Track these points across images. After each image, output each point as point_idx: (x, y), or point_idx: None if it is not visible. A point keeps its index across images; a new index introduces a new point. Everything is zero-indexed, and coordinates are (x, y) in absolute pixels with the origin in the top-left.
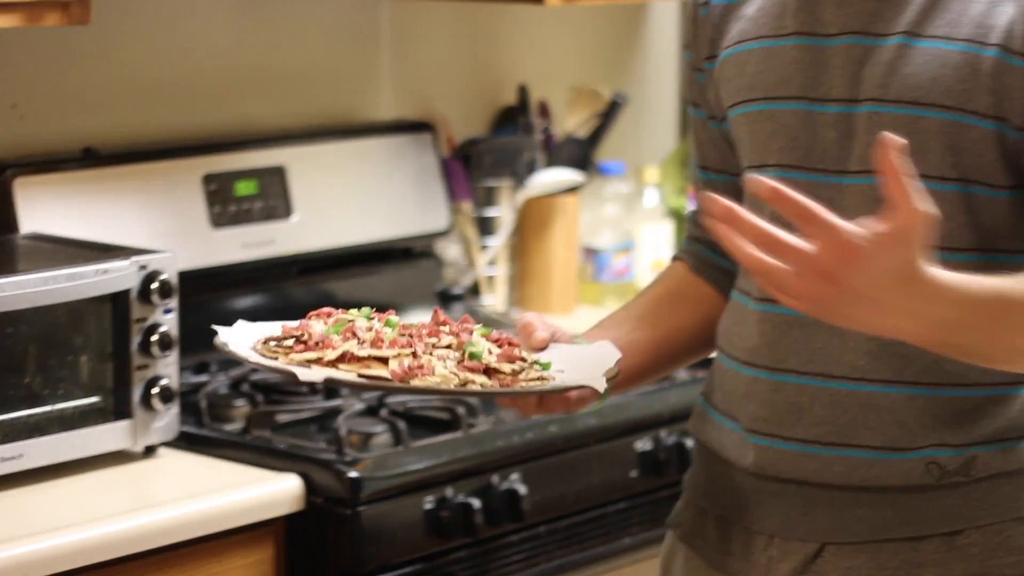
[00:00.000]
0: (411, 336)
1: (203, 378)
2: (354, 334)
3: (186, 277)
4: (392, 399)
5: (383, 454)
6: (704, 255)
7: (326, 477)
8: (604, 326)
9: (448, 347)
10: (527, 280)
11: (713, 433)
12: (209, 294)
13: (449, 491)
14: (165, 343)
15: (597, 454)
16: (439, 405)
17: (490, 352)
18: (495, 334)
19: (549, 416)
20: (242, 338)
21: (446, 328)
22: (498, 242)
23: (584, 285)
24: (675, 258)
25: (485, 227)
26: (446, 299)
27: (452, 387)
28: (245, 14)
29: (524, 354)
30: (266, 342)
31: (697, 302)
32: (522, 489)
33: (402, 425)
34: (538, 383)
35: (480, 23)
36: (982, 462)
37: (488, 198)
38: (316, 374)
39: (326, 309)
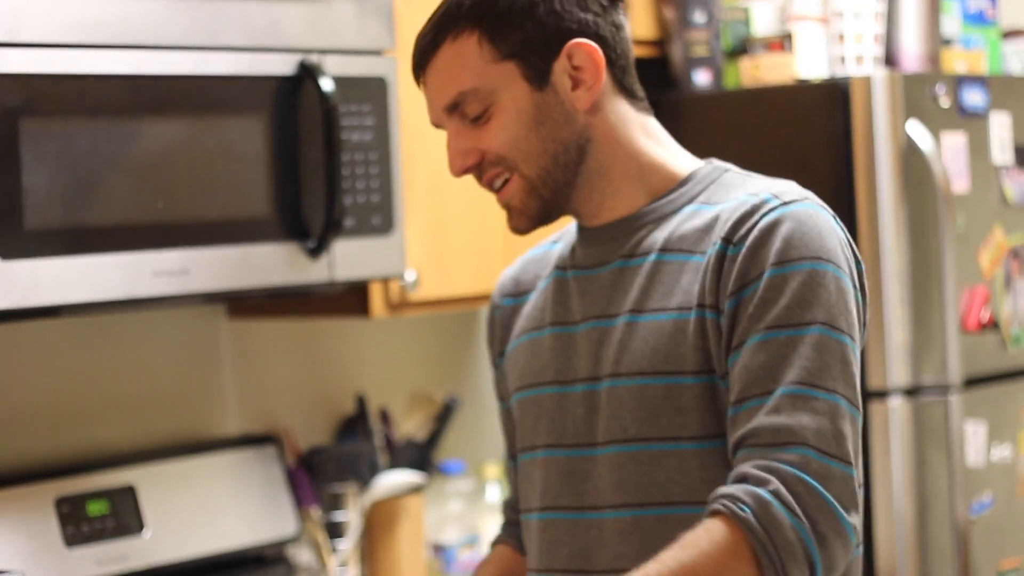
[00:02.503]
0: None
1: None
2: None
3: None
4: None
5: None
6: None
7: None
8: None
9: None
10: None
11: None
12: None
13: None
14: None
15: None
16: None
17: None
18: None
19: None
20: None
21: None
22: (348, 544)
23: None
24: (497, 542)
25: (334, 531)
26: None
27: None
28: (88, 343)
29: None
30: None
31: None
32: None
33: None
34: None
35: (316, 338)
36: None
37: (335, 503)
38: None
39: None
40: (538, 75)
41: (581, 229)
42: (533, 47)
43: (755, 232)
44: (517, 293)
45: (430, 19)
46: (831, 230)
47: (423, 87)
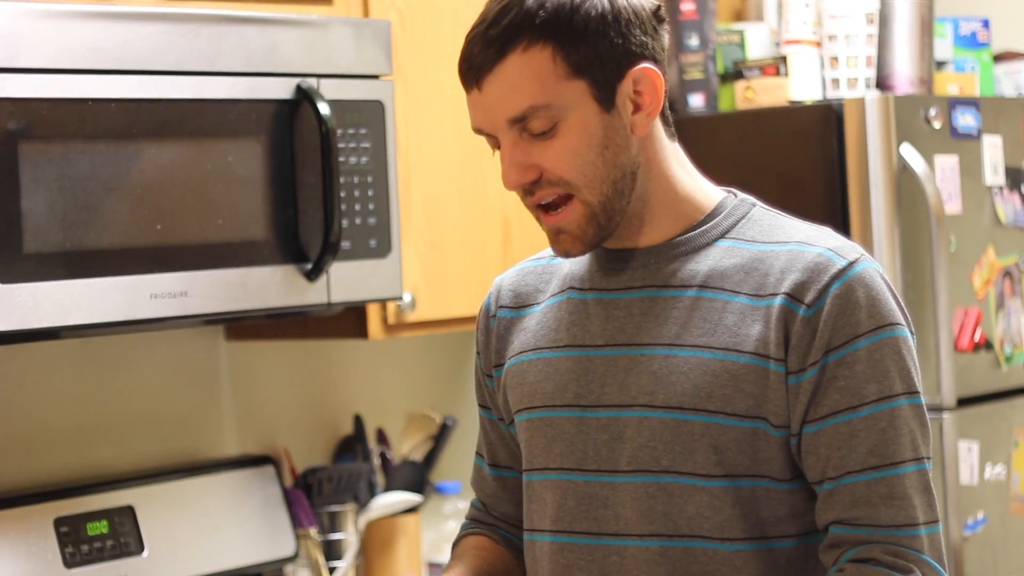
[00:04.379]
0: None
1: None
2: None
3: None
4: None
5: None
6: (505, 536)
7: None
8: None
9: None
10: None
11: None
12: None
13: None
14: None
15: None
16: None
17: None
18: None
19: None
20: None
21: None
22: (345, 564)
23: None
24: (469, 534)
25: (332, 550)
26: None
27: None
28: (88, 365)
29: None
30: None
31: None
32: None
33: None
34: None
35: (313, 359)
36: None
37: (332, 523)
38: None
39: None
40: (605, 96)
41: (601, 251)
42: (604, 67)
43: (830, 299)
44: (516, 305)
45: (492, 23)
46: (888, 286)
47: (476, 91)
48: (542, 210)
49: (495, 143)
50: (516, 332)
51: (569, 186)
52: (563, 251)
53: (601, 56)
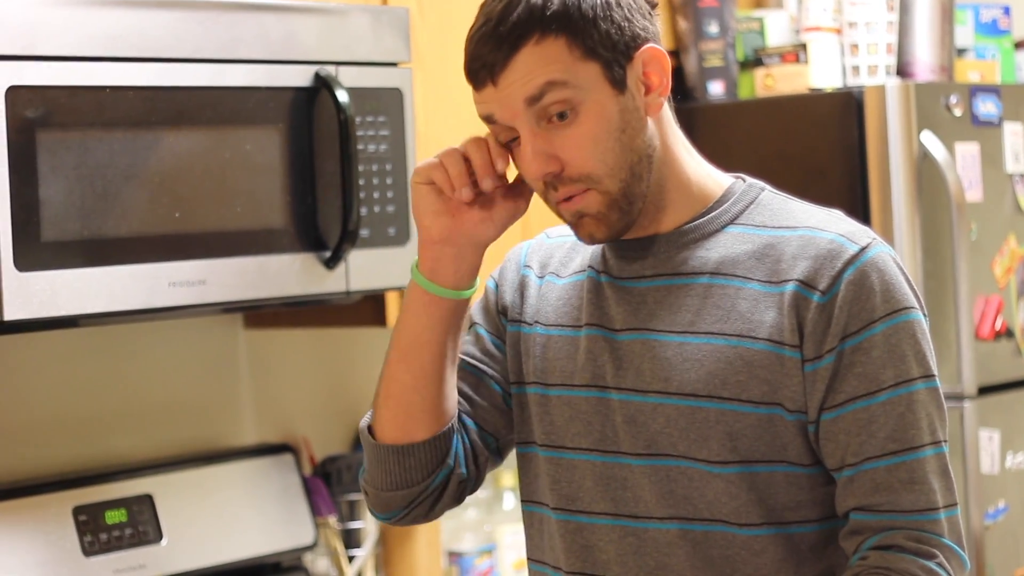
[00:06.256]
0: None
1: None
2: None
3: None
4: None
5: None
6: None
7: None
8: None
9: None
10: None
11: None
12: None
13: None
14: None
15: None
16: None
17: None
18: None
19: None
20: None
21: None
22: (364, 552)
23: None
24: None
25: (351, 539)
26: None
27: None
28: (106, 353)
29: None
30: None
31: None
32: None
33: None
34: None
35: (332, 347)
36: None
37: (352, 511)
38: None
39: None
40: (618, 79)
41: (616, 240)
42: (614, 50)
43: (844, 285)
44: (539, 272)
45: (499, 21)
46: (900, 270)
47: (491, 87)
48: (563, 202)
49: (508, 134)
50: (534, 296)
51: (591, 180)
52: (588, 235)
53: (611, 39)
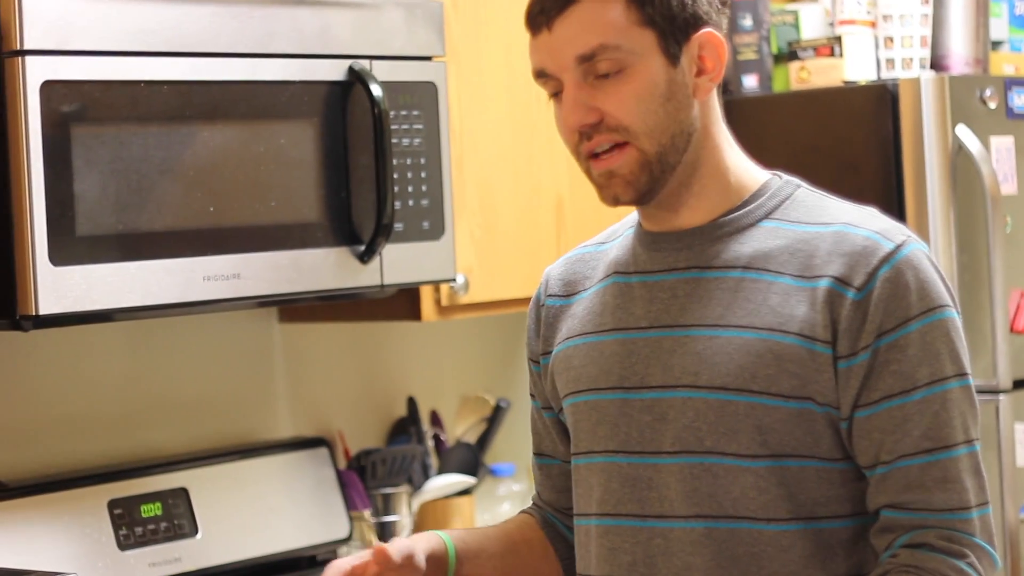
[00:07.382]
0: None
1: None
2: None
3: None
4: None
5: None
6: (548, 517)
7: None
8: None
9: None
10: None
11: None
12: None
13: None
14: None
15: None
16: None
17: None
18: None
19: None
20: None
21: None
22: None
23: None
24: (521, 512)
25: (385, 532)
26: None
27: None
28: (141, 347)
29: None
30: None
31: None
32: None
33: None
34: None
35: (367, 341)
36: None
37: (386, 505)
38: None
39: None
40: (672, 52)
41: (645, 233)
42: (673, 24)
43: (879, 282)
44: (565, 294)
45: None
46: (935, 267)
47: (546, 33)
48: (593, 159)
49: (555, 86)
50: (564, 319)
51: (628, 133)
52: (613, 196)
53: (672, 12)
